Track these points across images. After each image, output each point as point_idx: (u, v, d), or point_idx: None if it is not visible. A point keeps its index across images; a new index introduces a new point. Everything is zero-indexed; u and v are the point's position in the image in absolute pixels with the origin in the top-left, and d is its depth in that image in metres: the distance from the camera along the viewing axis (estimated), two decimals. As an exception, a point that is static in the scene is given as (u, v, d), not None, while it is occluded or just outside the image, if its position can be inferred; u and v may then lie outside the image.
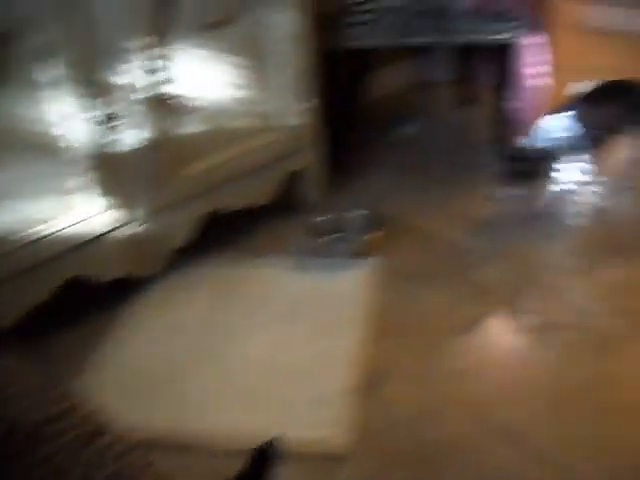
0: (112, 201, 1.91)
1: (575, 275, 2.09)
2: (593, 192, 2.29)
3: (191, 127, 2.05)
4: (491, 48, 2.58)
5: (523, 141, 2.24)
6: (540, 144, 2.25)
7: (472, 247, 2.24)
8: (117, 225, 1.94)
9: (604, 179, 2.33)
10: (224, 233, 2.31)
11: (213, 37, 1.99)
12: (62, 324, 1.92)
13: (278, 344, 1.86)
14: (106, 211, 1.91)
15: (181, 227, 2.13)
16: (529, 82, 2.66)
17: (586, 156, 2.27)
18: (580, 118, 2.24)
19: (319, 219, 2.28)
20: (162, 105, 1.94)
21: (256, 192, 2.28)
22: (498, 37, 2.47)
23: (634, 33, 3.96)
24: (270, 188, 2.31)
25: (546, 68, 2.69)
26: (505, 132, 2.48)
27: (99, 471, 0.95)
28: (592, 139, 2.25)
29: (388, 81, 3.36)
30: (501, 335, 1.91)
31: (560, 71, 2.87)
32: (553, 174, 2.24)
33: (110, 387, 1.75)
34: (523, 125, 2.69)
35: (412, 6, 2.43)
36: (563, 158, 2.24)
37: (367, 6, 2.45)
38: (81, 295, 1.95)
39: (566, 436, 1.52)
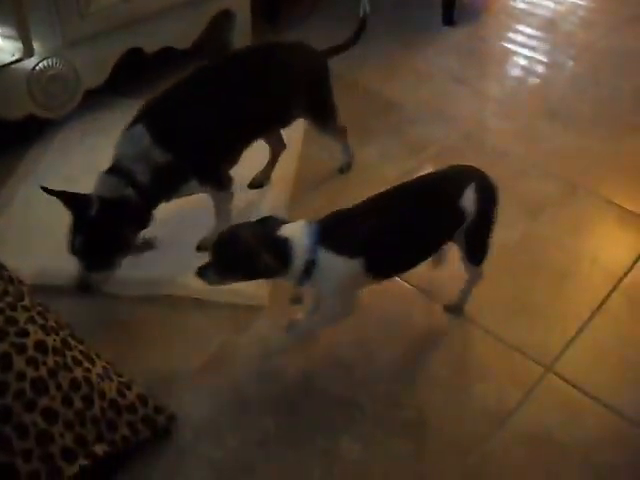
0: (16, 28, 1.69)
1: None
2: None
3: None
4: None
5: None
6: None
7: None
8: (19, 57, 1.74)
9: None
10: (142, 75, 2.12)
11: None
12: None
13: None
14: (8, 39, 1.69)
15: (95, 65, 1.93)
16: None
17: None
18: None
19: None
20: None
21: (179, 32, 2.08)
22: None
23: None
24: (194, 29, 2.11)
25: None
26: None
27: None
28: None
29: None
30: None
31: None
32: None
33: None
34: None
35: None
36: None
37: None
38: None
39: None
